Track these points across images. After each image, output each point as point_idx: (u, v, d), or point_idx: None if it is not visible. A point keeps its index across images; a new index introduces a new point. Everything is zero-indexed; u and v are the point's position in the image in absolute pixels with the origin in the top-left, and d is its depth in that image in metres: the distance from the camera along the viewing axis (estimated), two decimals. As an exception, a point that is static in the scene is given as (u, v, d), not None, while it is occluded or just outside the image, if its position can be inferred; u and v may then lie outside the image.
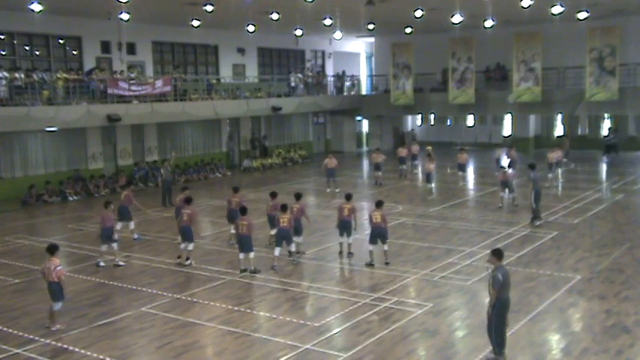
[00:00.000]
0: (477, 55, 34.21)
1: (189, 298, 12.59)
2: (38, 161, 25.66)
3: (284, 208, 14.64)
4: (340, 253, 15.31)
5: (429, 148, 29.27)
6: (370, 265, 14.32)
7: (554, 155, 25.01)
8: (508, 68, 34.75)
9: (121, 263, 15.01)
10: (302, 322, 11.13)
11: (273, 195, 16.39)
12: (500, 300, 9.02)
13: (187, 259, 15.01)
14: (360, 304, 11.97)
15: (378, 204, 14.67)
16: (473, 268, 14.06)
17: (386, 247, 14.43)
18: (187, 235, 14.90)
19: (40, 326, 11.20)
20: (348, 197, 15.48)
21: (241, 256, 14.20)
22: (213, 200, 23.65)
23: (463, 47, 34.44)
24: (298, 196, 15.92)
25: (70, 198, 24.83)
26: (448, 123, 41.30)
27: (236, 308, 11.95)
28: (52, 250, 11.32)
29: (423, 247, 16.04)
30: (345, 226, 15.02)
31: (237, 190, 17.32)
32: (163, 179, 22.98)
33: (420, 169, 29.34)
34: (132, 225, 17.77)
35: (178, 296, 12.72)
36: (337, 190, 24.49)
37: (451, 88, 34.74)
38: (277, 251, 14.49)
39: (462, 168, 25.78)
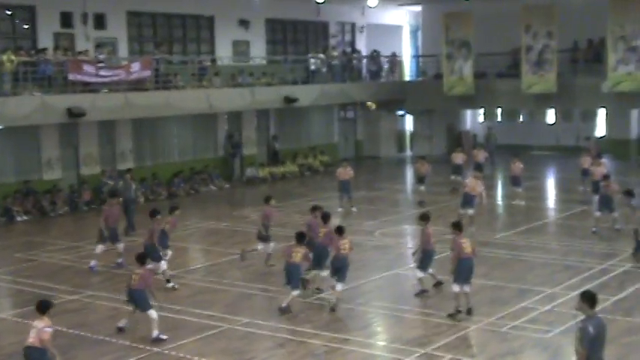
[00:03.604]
0: (560, 29, 34.03)
1: (174, 353, 12.60)
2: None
3: (340, 231, 15.10)
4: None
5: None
6: (456, 314, 13.97)
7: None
8: (602, 47, 34.50)
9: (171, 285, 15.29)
10: (324, 386, 11.11)
11: (324, 215, 16.52)
12: (592, 360, 8.91)
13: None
14: (401, 362, 11.93)
15: (458, 225, 14.44)
16: (554, 316, 13.96)
17: (468, 289, 14.14)
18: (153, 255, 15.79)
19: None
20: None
21: (314, 272, 15.46)
22: (206, 221, 23.72)
23: (541, 18, 34.28)
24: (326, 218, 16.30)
25: (19, 218, 25.09)
26: (520, 119, 41.10)
27: (235, 367, 11.98)
28: (44, 308, 11.22)
29: (486, 285, 15.94)
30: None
31: (269, 199, 18.17)
32: (122, 195, 22.15)
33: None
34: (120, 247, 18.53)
35: (159, 350, 12.74)
36: (354, 208, 24.74)
37: (525, 74, 34.60)
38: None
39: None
